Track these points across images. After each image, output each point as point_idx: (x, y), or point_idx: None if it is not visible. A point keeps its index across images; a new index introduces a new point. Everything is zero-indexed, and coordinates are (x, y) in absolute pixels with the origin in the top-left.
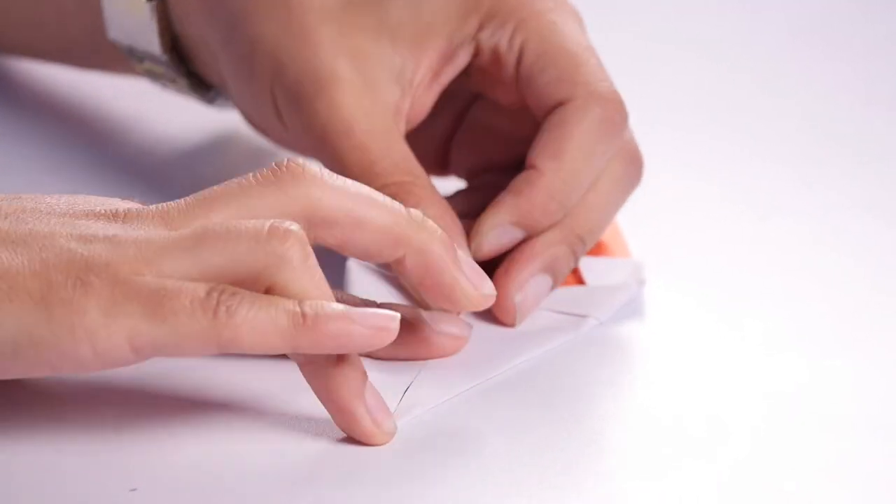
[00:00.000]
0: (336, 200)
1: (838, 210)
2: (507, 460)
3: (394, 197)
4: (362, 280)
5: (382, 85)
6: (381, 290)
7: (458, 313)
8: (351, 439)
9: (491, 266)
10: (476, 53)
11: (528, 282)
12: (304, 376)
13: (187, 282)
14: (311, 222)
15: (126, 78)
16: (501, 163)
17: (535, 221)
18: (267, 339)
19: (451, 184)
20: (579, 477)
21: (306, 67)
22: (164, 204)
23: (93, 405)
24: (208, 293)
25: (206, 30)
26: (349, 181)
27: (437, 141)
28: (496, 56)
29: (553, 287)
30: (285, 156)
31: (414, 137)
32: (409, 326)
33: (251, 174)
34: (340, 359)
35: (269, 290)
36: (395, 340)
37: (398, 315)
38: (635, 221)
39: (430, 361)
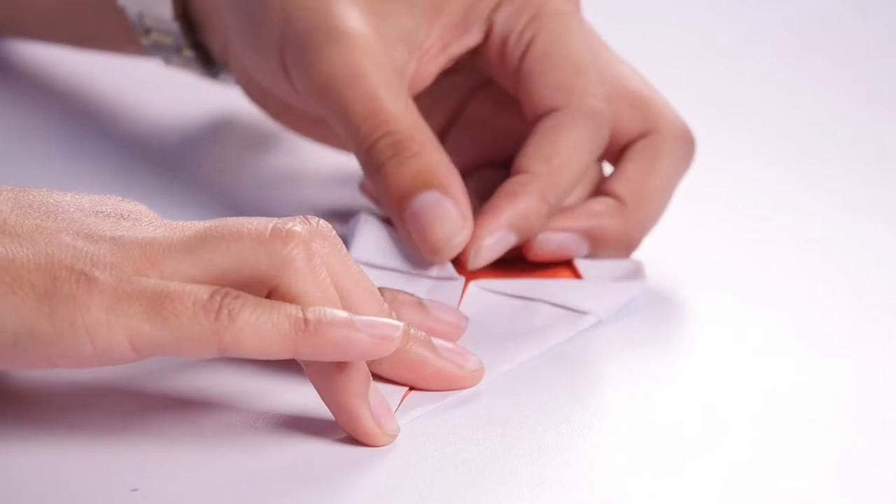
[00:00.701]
0: (345, 272)
1: (839, 210)
2: (506, 460)
3: (399, 146)
4: (368, 239)
5: (391, 43)
6: (385, 252)
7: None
8: (352, 440)
9: None
10: (488, 34)
11: (493, 234)
12: (308, 376)
13: (191, 284)
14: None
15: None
16: (497, 158)
17: (529, 225)
18: (268, 344)
19: None
20: (579, 476)
21: (317, 17)
22: (180, 222)
23: (93, 405)
24: (211, 296)
25: None
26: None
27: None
28: (504, 43)
29: (516, 242)
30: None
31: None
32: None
33: (278, 219)
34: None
35: (272, 292)
36: (399, 367)
37: (401, 325)
38: None
39: None
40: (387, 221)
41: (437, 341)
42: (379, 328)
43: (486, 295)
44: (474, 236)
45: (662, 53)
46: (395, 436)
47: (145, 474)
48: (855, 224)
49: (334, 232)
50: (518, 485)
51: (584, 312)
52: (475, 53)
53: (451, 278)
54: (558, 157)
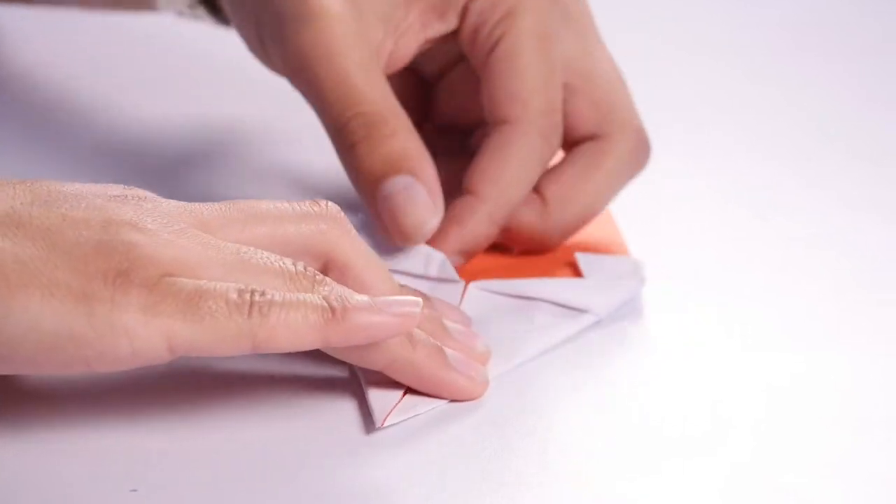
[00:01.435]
0: (356, 254)
1: (836, 208)
2: (506, 460)
3: (371, 127)
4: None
5: (368, 22)
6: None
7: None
8: (352, 440)
9: None
10: (461, 21)
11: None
12: (392, 377)
13: (220, 283)
14: (329, 265)
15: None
16: (476, 122)
17: (478, 247)
18: (301, 337)
19: None
20: (580, 476)
21: None
22: (197, 204)
23: (93, 405)
24: (240, 294)
25: None
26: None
27: (420, 87)
28: (475, 34)
29: (464, 262)
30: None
31: (398, 78)
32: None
33: (289, 202)
34: (414, 345)
35: (328, 263)
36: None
37: (420, 300)
38: (634, 221)
39: None
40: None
41: (447, 350)
42: (399, 306)
43: (486, 295)
44: None
45: (657, 51)
46: (487, 381)
47: (145, 474)
48: (852, 222)
49: (343, 214)
50: (518, 485)
51: (583, 311)
52: (451, 38)
53: (451, 280)
54: (506, 178)
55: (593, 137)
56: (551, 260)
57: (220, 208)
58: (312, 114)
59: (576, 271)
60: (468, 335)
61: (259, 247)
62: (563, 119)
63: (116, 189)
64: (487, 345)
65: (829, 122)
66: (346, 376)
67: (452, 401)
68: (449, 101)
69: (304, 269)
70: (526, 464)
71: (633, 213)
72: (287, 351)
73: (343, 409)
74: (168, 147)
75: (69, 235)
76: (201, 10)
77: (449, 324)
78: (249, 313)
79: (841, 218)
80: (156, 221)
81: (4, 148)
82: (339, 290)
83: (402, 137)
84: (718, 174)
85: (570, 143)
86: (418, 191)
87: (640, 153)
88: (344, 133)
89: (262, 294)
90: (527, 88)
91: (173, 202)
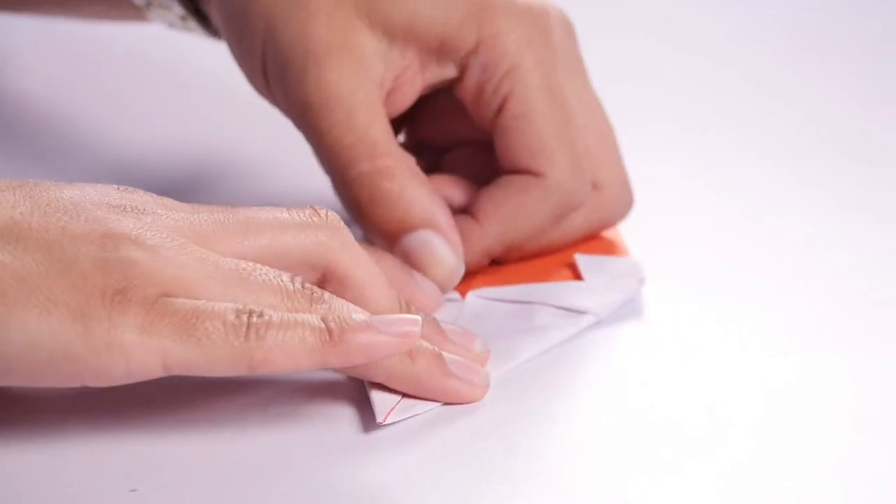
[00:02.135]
0: (355, 265)
1: (834, 210)
2: (506, 460)
3: (377, 184)
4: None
5: (369, 61)
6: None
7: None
8: (351, 438)
9: None
10: (462, 76)
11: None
12: (394, 388)
13: (218, 303)
14: (328, 276)
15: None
16: (471, 137)
17: (456, 281)
18: (297, 359)
19: None
20: (579, 477)
21: (299, 34)
22: (195, 210)
23: (93, 406)
24: (237, 315)
25: None
26: (371, 261)
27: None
28: (480, 92)
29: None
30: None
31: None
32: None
33: (288, 210)
34: (412, 356)
35: (326, 275)
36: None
37: (419, 318)
38: (633, 222)
39: None
40: None
41: (446, 355)
42: (398, 325)
43: (485, 303)
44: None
45: (653, 50)
46: (488, 383)
47: (145, 474)
48: (848, 223)
49: (342, 223)
50: (518, 485)
51: (582, 312)
52: (453, 87)
53: (450, 299)
54: (513, 219)
55: (528, 170)
56: (550, 262)
57: (219, 219)
58: None
59: (575, 273)
60: (466, 336)
61: (258, 259)
62: (506, 149)
63: (115, 194)
64: (486, 345)
65: (826, 122)
66: (345, 376)
67: (453, 403)
68: (427, 121)
69: (302, 286)
70: (526, 464)
71: (633, 215)
72: (284, 372)
73: (343, 409)
74: (163, 156)
75: (68, 251)
76: (193, 23)
77: (446, 326)
78: (246, 335)
79: (838, 218)
80: (155, 237)
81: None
82: (338, 306)
83: (410, 190)
84: (715, 175)
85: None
86: (436, 245)
87: (562, 195)
88: (352, 189)
89: (260, 315)
90: (545, 144)
91: (172, 213)
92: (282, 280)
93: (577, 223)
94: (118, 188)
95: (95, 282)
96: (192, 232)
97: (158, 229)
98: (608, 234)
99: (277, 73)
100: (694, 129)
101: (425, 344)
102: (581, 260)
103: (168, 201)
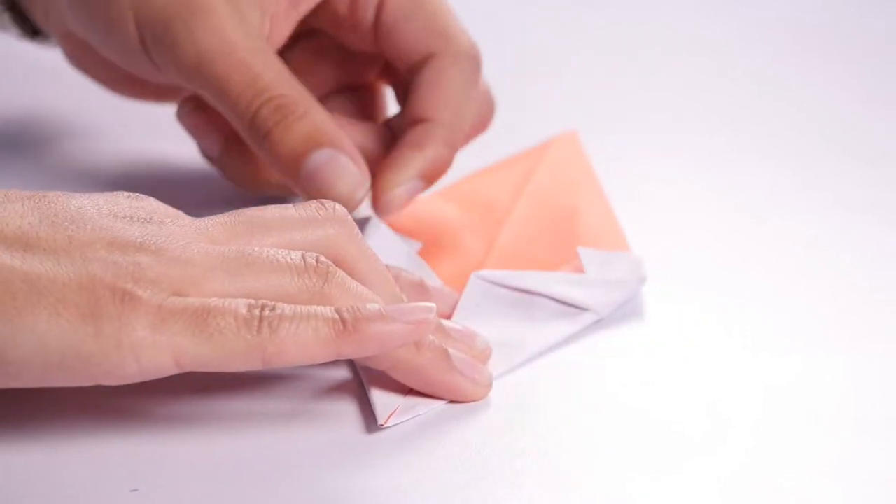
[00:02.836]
0: (361, 259)
1: (835, 210)
2: (506, 460)
3: (283, 109)
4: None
5: (246, 9)
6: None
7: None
8: (352, 438)
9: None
10: None
11: (404, 183)
12: (398, 379)
13: (228, 298)
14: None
15: None
16: (341, 83)
17: (438, 172)
18: (311, 351)
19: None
20: (579, 476)
21: (166, 3)
22: (203, 219)
23: (93, 405)
24: (249, 310)
25: None
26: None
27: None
28: (354, 3)
29: (424, 189)
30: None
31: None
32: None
33: (294, 206)
34: (419, 347)
35: None
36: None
37: (433, 305)
38: (634, 221)
39: None
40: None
41: (452, 352)
42: (413, 314)
43: (487, 286)
44: (386, 185)
45: (655, 51)
46: (491, 382)
47: (145, 474)
48: (851, 223)
49: (350, 217)
50: (518, 485)
51: (584, 309)
52: (321, 11)
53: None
54: (455, 103)
55: (429, 58)
56: (553, 254)
57: (226, 222)
58: None
59: (577, 266)
60: (467, 334)
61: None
62: (400, 42)
63: (124, 202)
64: (487, 342)
65: (829, 123)
66: (347, 376)
67: (454, 401)
68: (299, 74)
69: (316, 261)
70: (526, 464)
71: (632, 213)
72: (298, 365)
73: (344, 410)
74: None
75: (76, 257)
76: (6, 18)
77: (446, 323)
78: (259, 329)
79: (839, 219)
80: (160, 241)
81: None
82: (352, 286)
83: (313, 114)
84: (717, 176)
85: (407, 68)
86: (343, 161)
87: (473, 60)
88: (256, 122)
89: (273, 309)
90: (434, 20)
91: (178, 220)
92: (291, 258)
93: (455, 80)
94: (128, 196)
95: (105, 283)
96: (199, 235)
97: (164, 234)
98: (609, 229)
99: (157, 38)
100: (696, 129)
101: (432, 338)
102: (583, 253)
103: (176, 211)
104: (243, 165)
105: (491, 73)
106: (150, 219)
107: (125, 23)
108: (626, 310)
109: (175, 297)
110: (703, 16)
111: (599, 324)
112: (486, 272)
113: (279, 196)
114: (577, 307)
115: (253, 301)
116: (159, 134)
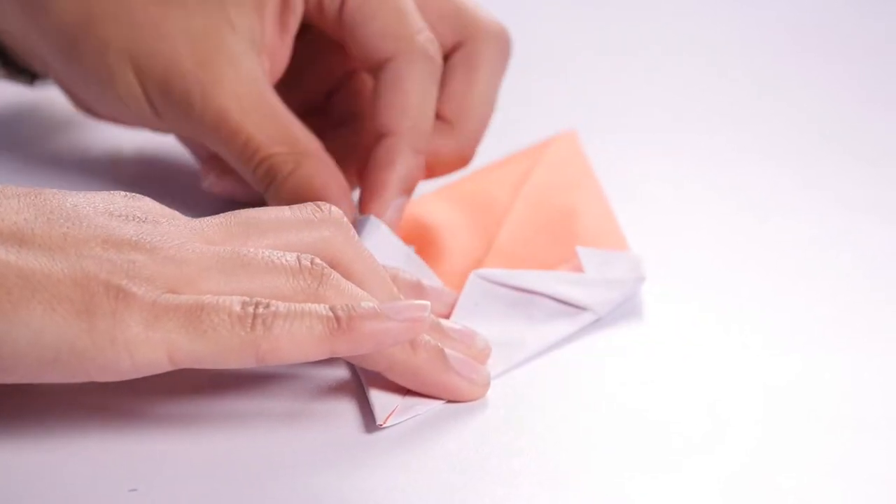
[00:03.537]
0: (358, 261)
1: (836, 210)
2: (504, 459)
3: (269, 172)
4: (376, 245)
5: (240, 56)
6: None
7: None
8: (350, 438)
9: None
10: None
11: (390, 205)
12: (393, 379)
13: (222, 297)
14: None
15: None
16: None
17: (414, 181)
18: (305, 348)
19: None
20: (579, 476)
21: (168, 64)
22: (198, 220)
23: (93, 406)
24: (243, 307)
25: (31, 33)
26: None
27: None
28: (320, 1)
29: (409, 197)
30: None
31: None
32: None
33: (290, 208)
34: (415, 347)
35: None
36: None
37: (428, 304)
38: (633, 221)
39: None
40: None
41: (448, 352)
42: (407, 311)
43: (487, 286)
44: (374, 213)
45: (655, 51)
46: (488, 382)
47: (144, 474)
48: (851, 223)
49: (346, 218)
50: (516, 485)
51: (583, 309)
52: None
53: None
54: (415, 108)
55: (456, 47)
56: (552, 253)
57: (221, 223)
58: None
59: (576, 265)
60: (466, 334)
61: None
62: (361, 44)
63: (120, 202)
64: (487, 342)
65: (829, 122)
66: (346, 376)
67: (451, 401)
68: (303, 76)
69: (311, 262)
70: (524, 463)
71: (632, 213)
72: (293, 362)
73: (343, 409)
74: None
75: (71, 253)
76: (1, 73)
77: (445, 323)
78: (253, 326)
79: (839, 219)
80: (155, 240)
81: None
82: (347, 287)
83: (301, 171)
84: (718, 175)
85: (369, 67)
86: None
87: (502, 42)
88: (255, 182)
89: (267, 306)
90: (392, 21)
91: (174, 221)
92: (286, 259)
93: (484, 75)
94: (125, 195)
95: (99, 279)
96: (194, 236)
97: (159, 234)
98: (608, 229)
99: (164, 107)
100: (697, 129)
101: (428, 338)
102: (582, 252)
103: (172, 212)
104: None
105: None
106: (146, 218)
107: (134, 96)
108: (626, 309)
109: (169, 294)
110: (703, 16)
111: (598, 323)
112: (485, 271)
113: None
114: (576, 306)
115: (247, 298)
116: (158, 134)
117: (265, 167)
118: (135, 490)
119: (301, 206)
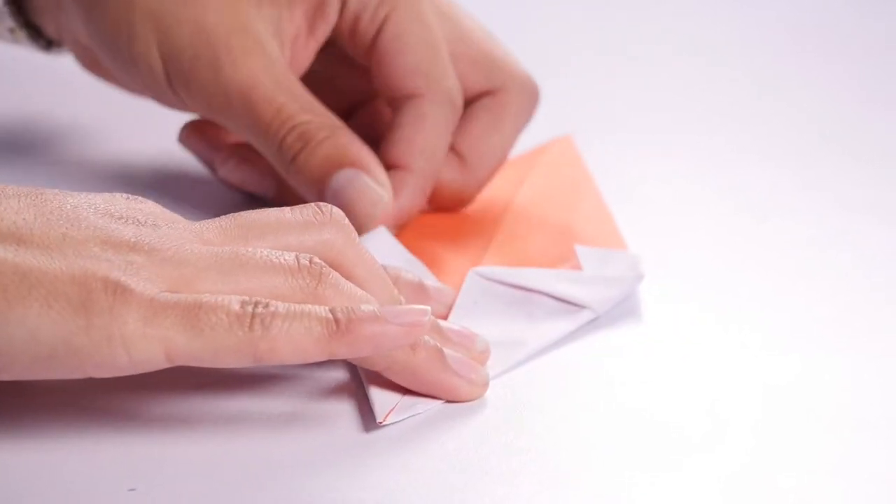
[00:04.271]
0: (359, 263)
1: (835, 210)
2: (504, 459)
3: (306, 136)
4: (378, 248)
5: (267, 40)
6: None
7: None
8: (350, 438)
9: None
10: (341, 12)
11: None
12: (392, 379)
13: (220, 295)
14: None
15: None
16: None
17: (410, 217)
18: (303, 350)
19: None
20: (579, 476)
21: (195, 30)
22: (198, 223)
23: (92, 405)
24: (242, 306)
25: None
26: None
27: None
28: (356, 21)
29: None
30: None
31: None
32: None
33: (291, 209)
34: (414, 348)
35: None
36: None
37: (428, 308)
38: (633, 221)
39: None
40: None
41: (447, 351)
42: (407, 316)
43: (486, 284)
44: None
45: (660, 53)
46: (487, 382)
47: (143, 474)
48: (851, 224)
49: (347, 220)
50: (516, 484)
51: (581, 307)
52: (335, 32)
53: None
54: (430, 149)
55: (487, 93)
56: (551, 253)
57: (221, 225)
58: None
59: (575, 264)
60: (466, 336)
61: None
62: (388, 78)
63: (121, 203)
64: (487, 343)
65: (828, 123)
66: (344, 376)
67: (450, 400)
68: (322, 92)
69: (310, 262)
70: (524, 463)
71: (631, 213)
72: (290, 363)
73: (341, 409)
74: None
75: (69, 253)
76: (22, 35)
77: (444, 324)
78: (251, 325)
79: (839, 219)
80: (154, 242)
81: None
82: (345, 287)
83: (335, 137)
84: (717, 175)
85: (465, 103)
86: (363, 180)
87: (531, 97)
88: (283, 151)
89: (266, 306)
90: (424, 60)
91: (174, 224)
92: (284, 259)
93: (506, 123)
94: (126, 197)
95: (97, 276)
96: (193, 238)
97: (158, 236)
98: (607, 230)
99: (183, 75)
100: (696, 129)
101: (427, 338)
102: (581, 252)
103: (172, 215)
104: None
105: None
106: (146, 221)
107: (149, 59)
108: (625, 309)
109: (167, 292)
110: (703, 16)
111: (598, 323)
112: (484, 269)
113: None
114: (575, 304)
115: (246, 298)
116: (159, 134)
117: (297, 133)
118: (134, 490)
119: (302, 207)
